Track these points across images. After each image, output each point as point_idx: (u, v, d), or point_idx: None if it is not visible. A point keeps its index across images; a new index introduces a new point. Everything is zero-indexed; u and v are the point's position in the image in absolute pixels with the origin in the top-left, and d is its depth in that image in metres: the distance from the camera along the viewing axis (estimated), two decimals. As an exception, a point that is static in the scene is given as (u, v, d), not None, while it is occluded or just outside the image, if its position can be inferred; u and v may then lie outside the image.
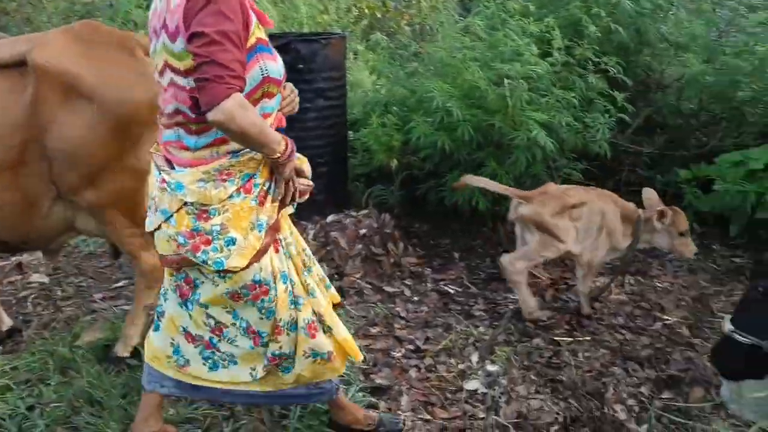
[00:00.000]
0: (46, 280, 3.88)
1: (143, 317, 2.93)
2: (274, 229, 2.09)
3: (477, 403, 2.83)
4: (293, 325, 2.16)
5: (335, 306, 2.40)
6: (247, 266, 2.00)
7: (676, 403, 2.85)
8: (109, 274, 3.96)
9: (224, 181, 1.95)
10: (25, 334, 3.26)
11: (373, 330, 3.38)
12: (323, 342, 2.22)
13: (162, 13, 1.92)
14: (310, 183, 2.14)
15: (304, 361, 2.20)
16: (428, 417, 2.75)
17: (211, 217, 1.95)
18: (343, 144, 4.60)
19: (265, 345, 2.18)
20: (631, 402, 2.86)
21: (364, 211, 4.25)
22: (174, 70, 1.92)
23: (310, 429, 2.57)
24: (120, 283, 3.82)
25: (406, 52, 5.40)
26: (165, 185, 1.97)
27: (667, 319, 3.55)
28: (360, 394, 2.80)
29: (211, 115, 1.78)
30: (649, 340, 3.36)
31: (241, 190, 1.97)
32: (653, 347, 3.28)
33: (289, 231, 2.22)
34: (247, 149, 1.95)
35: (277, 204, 2.07)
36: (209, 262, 1.96)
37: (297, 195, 2.12)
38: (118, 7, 4.84)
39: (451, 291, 3.85)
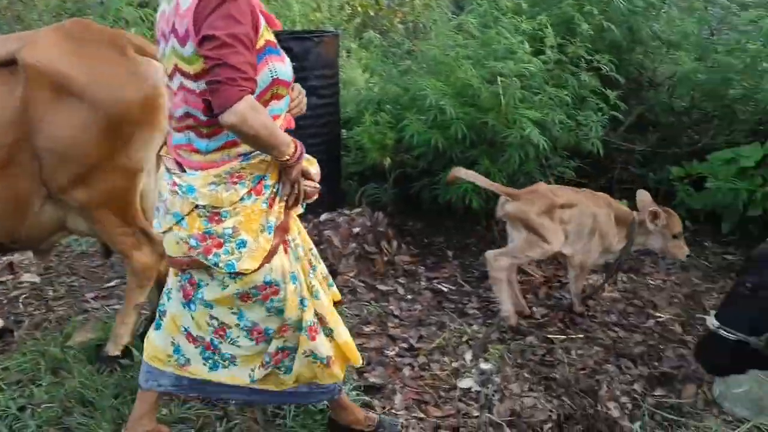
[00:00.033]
0: (37, 279, 3.85)
1: (134, 316, 2.92)
2: (284, 230, 2.10)
3: (471, 402, 2.83)
4: (299, 324, 2.17)
5: (336, 304, 2.40)
6: (258, 268, 2.01)
7: (669, 400, 2.86)
8: (101, 273, 3.94)
9: (235, 183, 1.96)
10: (17, 334, 3.24)
11: (367, 329, 3.38)
12: (323, 345, 2.22)
13: (170, 16, 1.93)
14: (317, 185, 2.15)
15: (304, 359, 2.21)
16: (422, 415, 2.75)
17: (223, 219, 1.97)
18: (336, 142, 4.59)
19: (269, 341, 2.19)
20: (624, 399, 2.87)
21: (358, 210, 4.25)
22: (184, 74, 1.93)
23: (305, 428, 2.56)
24: (112, 283, 3.80)
25: (399, 50, 5.40)
26: (176, 188, 1.99)
27: (660, 317, 3.56)
28: (354, 392, 2.79)
29: (223, 118, 1.79)
30: (642, 337, 3.37)
31: (252, 192, 1.99)
32: (646, 344, 3.30)
33: (297, 231, 2.24)
34: (258, 151, 1.97)
35: (283, 205, 2.08)
36: (221, 265, 1.98)
37: (303, 197, 2.12)
38: (109, 4, 4.81)
39: (445, 289, 3.85)
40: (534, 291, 3.82)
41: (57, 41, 2.54)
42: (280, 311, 2.13)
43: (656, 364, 3.13)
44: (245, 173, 1.98)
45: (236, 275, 2.01)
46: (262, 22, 1.92)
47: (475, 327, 3.40)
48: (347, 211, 4.22)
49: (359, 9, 7.49)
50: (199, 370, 2.24)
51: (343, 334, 2.29)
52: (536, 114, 3.75)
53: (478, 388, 2.90)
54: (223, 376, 2.24)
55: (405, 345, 3.25)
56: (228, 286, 2.05)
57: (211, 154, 1.98)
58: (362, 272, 3.90)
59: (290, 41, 4.15)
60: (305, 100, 2.23)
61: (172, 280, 2.23)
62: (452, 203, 4.09)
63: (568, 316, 3.54)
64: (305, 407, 2.63)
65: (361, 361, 2.39)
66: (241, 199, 1.97)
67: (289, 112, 2.13)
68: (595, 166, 4.56)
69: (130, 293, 2.89)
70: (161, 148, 2.69)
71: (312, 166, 2.13)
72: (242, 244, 1.98)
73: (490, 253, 3.44)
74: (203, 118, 1.94)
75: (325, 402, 2.49)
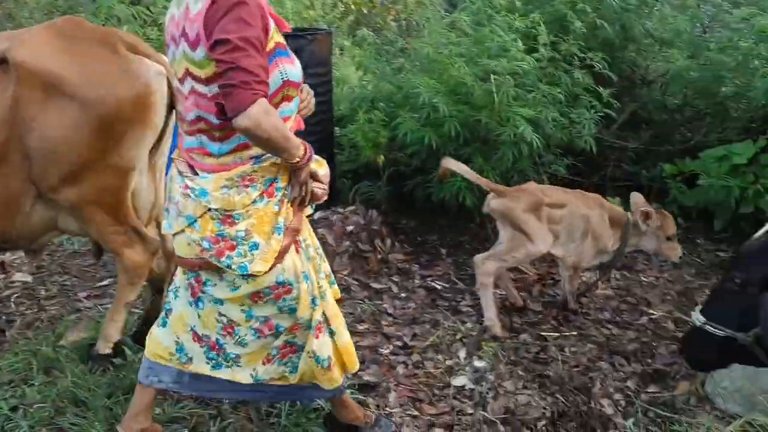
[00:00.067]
0: (29, 279, 3.83)
1: (123, 314, 2.90)
2: (295, 230, 2.11)
3: (465, 399, 2.84)
4: (309, 323, 2.19)
5: (336, 302, 2.40)
6: (270, 269, 2.02)
7: (662, 397, 2.87)
8: (93, 272, 3.92)
9: (247, 187, 1.98)
10: (8, 333, 3.22)
11: (361, 327, 3.38)
12: (325, 345, 2.23)
13: (180, 21, 1.94)
14: (325, 187, 2.16)
15: (308, 360, 2.22)
16: (416, 413, 2.75)
17: (236, 222, 1.98)
18: (329, 140, 4.58)
19: (277, 336, 2.20)
20: (617, 396, 2.88)
21: (351, 208, 4.24)
22: (195, 78, 1.94)
23: (298, 426, 2.56)
24: (104, 282, 3.79)
25: (392, 47, 5.39)
26: (188, 191, 2.01)
27: (653, 314, 3.57)
28: (348, 391, 2.78)
29: (237, 121, 1.81)
30: (635, 334, 3.38)
31: (264, 194, 2.01)
32: (639, 341, 3.31)
33: (307, 232, 2.25)
34: (269, 154, 1.98)
35: (290, 205, 2.09)
36: (233, 267, 1.99)
37: (310, 198, 2.13)
38: (100, 2, 4.77)
39: (439, 287, 3.85)
40: (527, 288, 3.82)
41: (48, 40, 2.52)
42: (292, 310, 2.15)
43: (649, 361, 3.14)
44: (257, 176, 2.00)
45: (248, 277, 2.03)
46: (272, 24, 1.94)
47: (468, 325, 3.40)
48: (341, 209, 4.21)
49: (352, 7, 7.48)
50: (201, 369, 2.25)
51: (344, 336, 2.30)
52: (529, 112, 3.75)
53: (472, 386, 2.90)
54: (225, 375, 2.25)
55: (399, 343, 3.25)
56: (240, 287, 2.07)
57: (224, 157, 2.00)
58: (356, 270, 3.89)
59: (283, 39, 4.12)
60: (313, 100, 2.26)
61: (179, 279, 2.25)
62: (446, 201, 4.09)
63: (561, 314, 3.55)
64: (299, 406, 2.63)
65: (357, 367, 2.39)
66: (254, 201, 1.99)
67: (299, 113, 2.15)
68: (588, 164, 4.57)
69: (121, 291, 2.87)
70: (155, 147, 2.71)
71: (321, 167, 2.15)
72: (255, 246, 1.99)
73: (478, 258, 3.42)
74: (215, 121, 1.95)
75: (318, 400, 2.48)
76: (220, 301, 2.13)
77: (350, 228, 4.02)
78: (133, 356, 2.89)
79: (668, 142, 4.82)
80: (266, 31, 1.90)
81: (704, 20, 4.95)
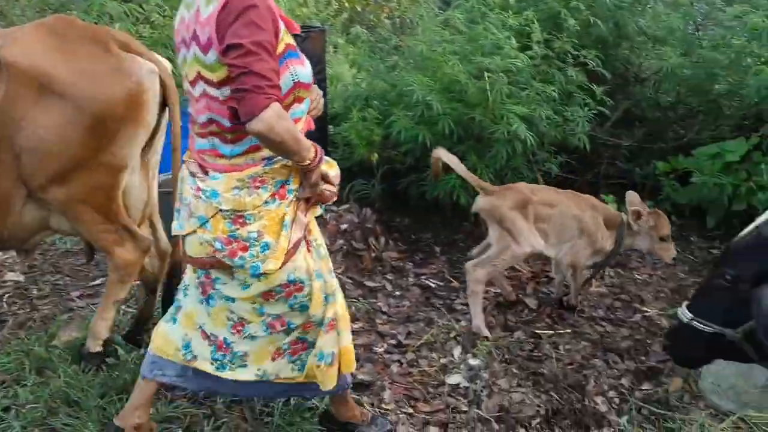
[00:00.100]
0: (21, 278, 3.80)
1: (112, 312, 2.89)
2: (305, 226, 2.12)
3: (459, 397, 2.84)
4: (321, 320, 2.20)
5: None
6: (281, 266, 2.03)
7: (656, 394, 2.88)
8: (86, 272, 3.90)
9: (258, 188, 2.00)
10: (0, 333, 3.20)
11: (355, 325, 3.36)
12: (332, 342, 2.24)
13: (191, 24, 1.94)
14: (335, 189, 2.17)
15: (313, 358, 2.23)
16: (411, 411, 2.75)
17: (248, 222, 2.00)
18: (323, 138, 4.56)
19: (288, 333, 2.21)
20: (611, 394, 2.89)
21: (345, 206, 4.24)
22: (207, 81, 1.95)
23: (293, 425, 2.55)
24: (97, 281, 3.76)
25: (386, 45, 5.37)
26: (200, 193, 2.03)
27: (647, 311, 3.59)
28: (343, 389, 2.79)
29: (250, 126, 1.83)
30: (629, 331, 3.39)
31: (276, 196, 2.03)
32: (633, 339, 3.32)
33: (317, 232, 2.27)
34: (280, 156, 2.00)
35: (297, 204, 2.10)
36: (246, 267, 2.01)
37: (320, 199, 2.15)
38: (92, 0, 4.74)
39: (433, 285, 3.85)
40: (522, 286, 3.82)
41: (39, 38, 2.49)
42: (303, 307, 2.16)
43: (643, 358, 3.15)
44: (267, 177, 2.01)
45: (260, 276, 2.05)
46: (282, 26, 1.95)
47: (463, 323, 3.40)
48: (335, 208, 4.21)
49: (346, 4, 7.47)
50: (204, 367, 2.25)
51: (347, 340, 2.31)
52: (523, 109, 3.75)
53: (467, 384, 2.90)
54: (228, 376, 2.25)
55: (393, 341, 3.25)
56: (251, 285, 2.08)
57: (236, 158, 2.01)
58: (350, 269, 3.89)
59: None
60: (323, 101, 2.28)
61: (189, 277, 2.26)
62: (440, 199, 4.10)
63: (555, 312, 3.56)
64: (294, 404, 2.62)
65: (354, 368, 2.40)
66: (265, 203, 2.01)
67: (309, 114, 2.17)
68: (582, 162, 4.58)
69: (111, 289, 2.85)
70: (147, 145, 2.69)
71: (332, 168, 2.16)
72: (266, 246, 2.01)
73: (469, 264, 3.41)
74: (228, 124, 1.97)
75: (313, 398, 2.47)
76: (232, 299, 2.14)
77: (344, 226, 4.02)
78: (126, 356, 2.87)
79: (661, 140, 4.83)
80: (276, 33, 1.91)
81: (697, 18, 4.96)
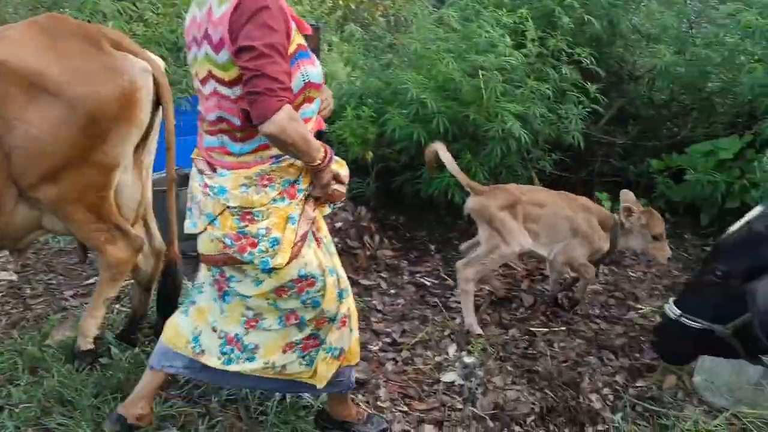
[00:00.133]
0: (14, 277, 3.79)
1: (103, 310, 2.88)
2: (312, 221, 2.14)
3: (454, 395, 2.84)
4: (334, 316, 2.22)
5: None
6: (290, 261, 2.05)
7: (650, 391, 2.89)
8: (79, 271, 3.88)
9: (265, 186, 2.02)
10: (-6, 333, 3.19)
11: (350, 323, 3.36)
12: (342, 338, 2.26)
13: (203, 23, 1.96)
14: (343, 190, 2.19)
15: (323, 354, 2.25)
16: (406, 409, 2.75)
17: (256, 219, 2.02)
18: (317, 137, 4.54)
19: (301, 328, 2.22)
20: (606, 391, 2.89)
21: (340, 204, 4.22)
22: (218, 81, 1.96)
23: (287, 424, 2.55)
24: (91, 280, 3.75)
25: (380, 43, 5.38)
26: (207, 190, 2.05)
27: (641, 308, 3.59)
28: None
29: (263, 128, 1.86)
30: (623, 329, 3.40)
31: (285, 194, 2.04)
32: (627, 336, 3.32)
33: (326, 230, 2.29)
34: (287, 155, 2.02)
35: (304, 199, 2.11)
36: (256, 262, 2.03)
37: (330, 198, 2.18)
38: (85, -3, 4.72)
39: (428, 283, 3.85)
40: (516, 284, 3.83)
41: (31, 36, 2.48)
42: (316, 303, 2.17)
43: (637, 355, 3.16)
44: (275, 175, 2.03)
45: (271, 271, 2.06)
46: (293, 26, 1.96)
47: (458, 320, 3.40)
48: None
49: (340, 2, 7.44)
50: (211, 362, 2.26)
51: (355, 333, 2.34)
52: (517, 107, 3.76)
53: (462, 382, 2.90)
54: (235, 369, 2.25)
55: (388, 339, 3.25)
56: (263, 281, 2.10)
57: (244, 156, 2.03)
58: (345, 267, 3.80)
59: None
60: (332, 101, 2.29)
61: (203, 275, 2.28)
62: (434, 197, 4.10)
63: (550, 309, 3.57)
64: (289, 403, 2.62)
65: (358, 360, 2.43)
66: (273, 200, 2.02)
67: (319, 113, 2.18)
68: (576, 159, 4.58)
69: (101, 287, 2.84)
70: (141, 144, 2.68)
71: (342, 168, 2.18)
72: (275, 242, 2.03)
73: (459, 263, 3.41)
74: (237, 123, 1.99)
75: (309, 398, 2.47)
76: (247, 296, 2.15)
77: (339, 224, 4.01)
78: (120, 354, 2.87)
79: (655, 138, 4.84)
80: (288, 34, 1.92)
81: (691, 16, 4.97)
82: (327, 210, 2.28)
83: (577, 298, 3.55)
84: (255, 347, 2.23)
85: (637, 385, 2.95)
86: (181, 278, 2.90)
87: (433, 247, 4.27)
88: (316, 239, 2.18)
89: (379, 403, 2.77)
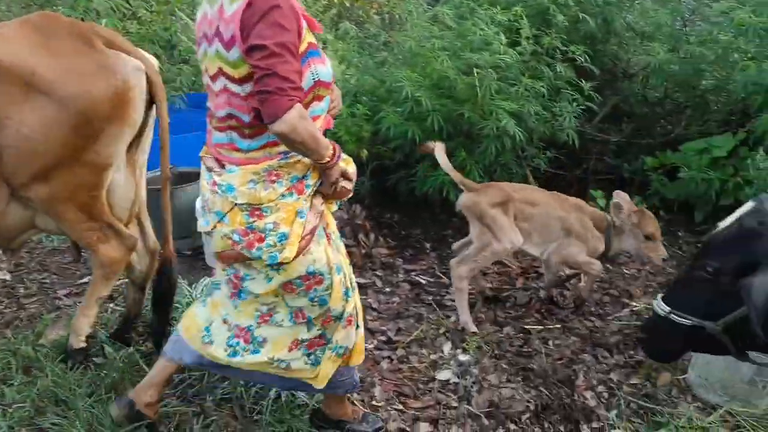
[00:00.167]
0: (8, 277, 3.78)
1: (95, 308, 2.87)
2: (321, 215, 2.15)
3: (449, 393, 2.84)
4: (341, 314, 2.22)
5: None
6: (297, 255, 2.05)
7: (645, 389, 2.90)
8: (73, 270, 3.87)
9: (273, 182, 2.03)
10: (-13, 333, 3.18)
11: (345, 322, 3.36)
12: (347, 338, 2.27)
13: (214, 20, 1.96)
14: (350, 186, 2.19)
15: (329, 353, 2.26)
16: (401, 407, 2.75)
17: (265, 215, 2.03)
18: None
19: (308, 327, 2.23)
20: (600, 388, 2.90)
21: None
22: (229, 78, 1.97)
23: (282, 423, 2.55)
24: (84, 279, 3.73)
25: (375, 41, 5.37)
26: (216, 188, 2.06)
27: (635, 306, 3.60)
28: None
29: (273, 127, 1.87)
30: (618, 326, 3.41)
31: (293, 190, 2.05)
32: (622, 333, 3.33)
33: (335, 226, 2.30)
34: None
35: (312, 195, 2.12)
36: (264, 257, 2.04)
37: (338, 196, 2.18)
38: (78, -5, 4.70)
39: (423, 281, 3.85)
40: (511, 282, 3.83)
41: (24, 35, 2.46)
42: (323, 301, 2.18)
43: (632, 353, 3.16)
44: (283, 172, 2.04)
45: (279, 266, 2.07)
46: (304, 24, 1.96)
47: (453, 319, 3.40)
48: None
49: (335, 0, 7.43)
50: (218, 354, 2.26)
51: (360, 330, 2.35)
52: (512, 105, 3.76)
53: (457, 380, 2.91)
54: (238, 361, 2.26)
55: (383, 338, 3.25)
56: (272, 278, 2.11)
57: (253, 152, 2.04)
58: (340, 265, 3.87)
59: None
60: (341, 100, 2.31)
61: (218, 274, 2.29)
62: (429, 195, 4.10)
63: (545, 307, 3.57)
64: (284, 402, 2.62)
65: (362, 361, 2.43)
66: (282, 196, 2.03)
67: (328, 112, 2.18)
68: (571, 157, 4.59)
69: (94, 285, 2.83)
70: (135, 143, 2.67)
71: (349, 165, 2.18)
72: (283, 236, 2.04)
73: (452, 261, 3.41)
74: (247, 120, 2.00)
75: (304, 396, 2.47)
76: (257, 295, 2.17)
77: (334, 223, 4.01)
78: (114, 354, 2.86)
79: (649, 135, 4.85)
80: (299, 33, 1.92)
81: (685, 14, 4.98)
82: (334, 207, 2.29)
83: (584, 297, 3.55)
84: (263, 340, 2.24)
85: (632, 382, 2.96)
86: (176, 277, 2.90)
87: (428, 245, 4.27)
88: (327, 235, 2.19)
89: (374, 401, 2.77)
